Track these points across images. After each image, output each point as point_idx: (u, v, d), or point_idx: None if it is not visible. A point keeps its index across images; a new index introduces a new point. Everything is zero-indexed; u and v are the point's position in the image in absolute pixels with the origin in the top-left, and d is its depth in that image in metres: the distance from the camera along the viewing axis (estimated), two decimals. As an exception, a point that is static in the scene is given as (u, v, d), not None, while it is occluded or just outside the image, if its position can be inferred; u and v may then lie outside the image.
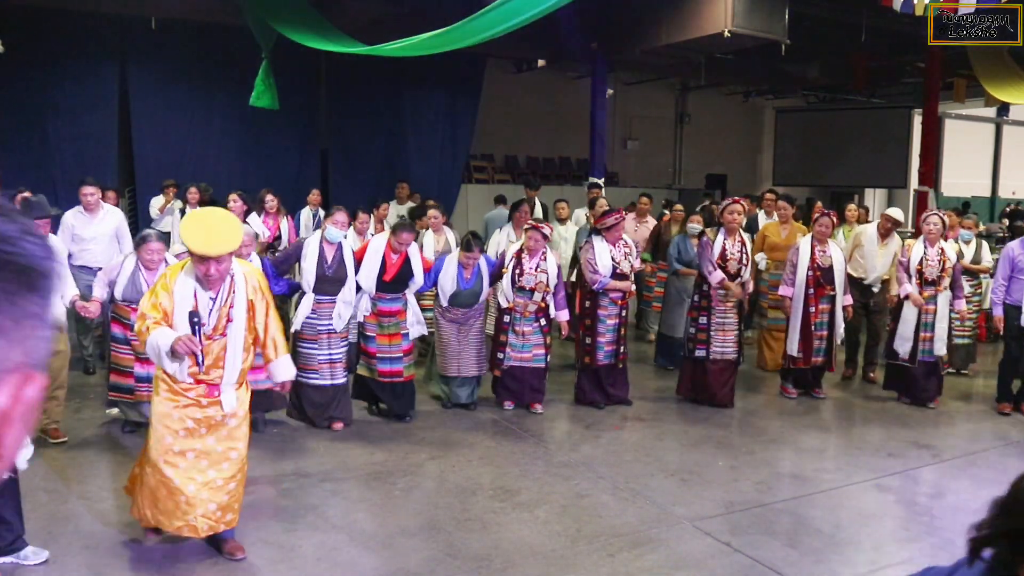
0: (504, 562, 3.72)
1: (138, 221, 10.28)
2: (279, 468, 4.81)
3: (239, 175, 11.58)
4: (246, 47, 9.93)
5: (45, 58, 10.28)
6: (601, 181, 11.47)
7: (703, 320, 6.29)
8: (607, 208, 7.56)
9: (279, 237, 8.22)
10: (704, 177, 17.88)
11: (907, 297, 6.43)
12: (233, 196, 7.45)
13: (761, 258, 7.48)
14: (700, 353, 6.29)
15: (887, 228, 7.30)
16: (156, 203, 9.77)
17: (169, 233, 10.30)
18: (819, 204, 8.74)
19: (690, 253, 7.11)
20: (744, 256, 6.27)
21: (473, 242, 5.93)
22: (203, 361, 3.39)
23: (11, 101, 10.23)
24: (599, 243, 6.16)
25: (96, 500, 4.32)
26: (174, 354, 3.32)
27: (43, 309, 0.58)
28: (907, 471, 5.21)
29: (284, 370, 3.76)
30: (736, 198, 6.70)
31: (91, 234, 6.72)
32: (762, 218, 8.53)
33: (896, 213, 7.46)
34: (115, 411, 5.65)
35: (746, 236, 6.49)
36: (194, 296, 3.43)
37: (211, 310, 3.46)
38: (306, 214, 9.47)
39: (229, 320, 3.49)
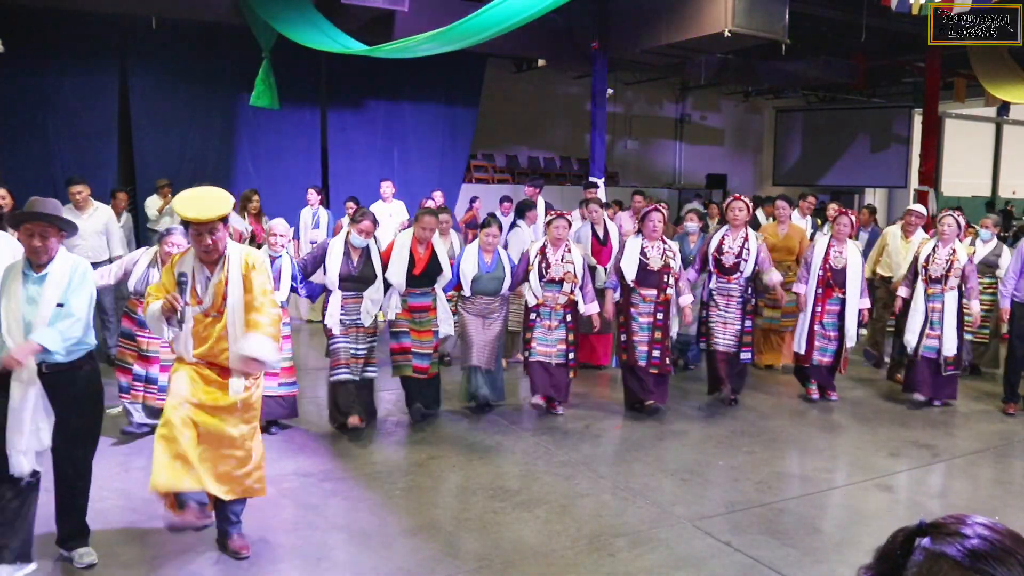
0: (504, 562, 3.71)
1: (138, 221, 10.27)
2: (279, 468, 4.80)
3: (239, 175, 11.60)
4: (246, 47, 9.94)
5: (45, 58, 10.28)
6: (601, 181, 11.48)
7: (704, 314, 6.48)
8: (597, 208, 7.61)
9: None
10: (704, 177, 17.89)
11: (903, 299, 6.55)
12: None
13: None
14: (702, 345, 6.56)
15: (911, 223, 7.30)
16: (153, 204, 9.77)
17: None
18: (836, 205, 8.70)
19: (687, 252, 7.12)
20: (745, 252, 6.28)
21: (492, 220, 6.07)
22: (183, 318, 3.47)
23: (11, 101, 10.23)
24: (632, 241, 6.17)
25: (96, 500, 4.30)
26: (164, 314, 3.46)
27: None
28: (907, 471, 5.21)
29: (245, 351, 3.49)
30: (738, 195, 6.70)
31: (80, 230, 6.80)
32: (796, 218, 8.43)
33: (919, 208, 7.46)
34: (115, 411, 5.65)
35: (752, 233, 6.49)
36: (192, 273, 3.55)
37: (206, 287, 3.54)
38: (306, 213, 9.47)
39: (224, 298, 3.54)
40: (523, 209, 7.99)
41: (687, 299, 6.18)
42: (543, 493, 4.56)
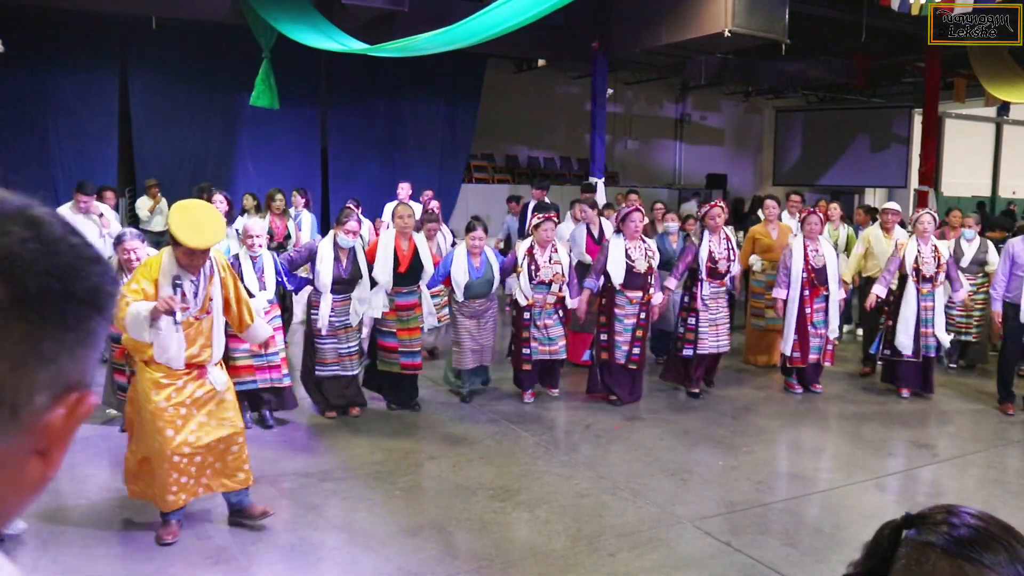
0: (504, 562, 3.72)
1: (138, 221, 10.29)
2: (279, 468, 4.81)
3: (239, 175, 11.61)
4: (246, 47, 9.94)
5: (45, 58, 10.28)
6: (601, 181, 11.48)
7: (692, 321, 6.41)
8: (587, 208, 7.72)
9: (288, 237, 8.29)
10: (704, 177, 17.88)
11: (878, 297, 6.53)
12: (218, 196, 7.52)
13: (756, 260, 7.52)
14: (687, 352, 6.44)
15: (888, 221, 7.40)
16: (144, 204, 9.81)
17: (163, 232, 10.37)
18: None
19: (668, 252, 7.17)
20: (731, 253, 6.41)
21: (476, 223, 6.12)
22: (179, 320, 3.56)
23: (11, 101, 10.23)
24: (616, 242, 6.21)
25: (95, 500, 4.32)
26: (154, 316, 3.51)
27: (105, 329, 0.61)
28: (907, 471, 5.21)
29: (261, 331, 4.14)
30: (715, 202, 6.80)
31: (81, 231, 6.87)
32: (786, 218, 8.40)
33: (894, 205, 7.62)
34: (114, 411, 5.65)
35: (729, 231, 6.64)
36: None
37: (195, 292, 3.68)
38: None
39: (210, 299, 3.75)
40: (543, 210, 8.17)
41: (658, 297, 6.33)
42: (543, 493, 4.56)
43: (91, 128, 10.76)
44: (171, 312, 3.48)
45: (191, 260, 3.60)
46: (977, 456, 5.48)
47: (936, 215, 6.77)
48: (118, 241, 5.08)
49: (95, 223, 7.19)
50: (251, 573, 3.59)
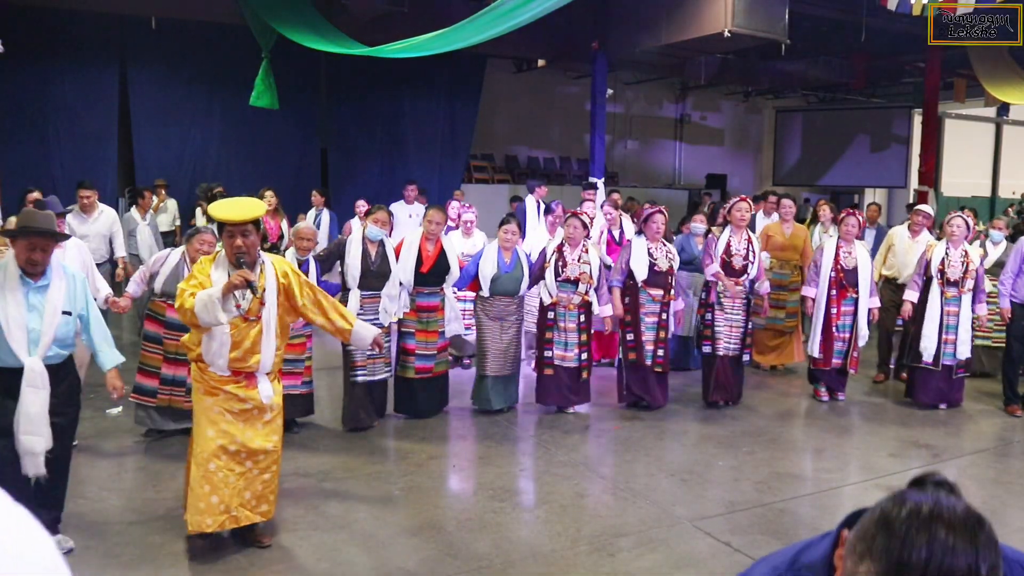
0: (504, 562, 3.71)
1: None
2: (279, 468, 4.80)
3: (239, 175, 11.60)
4: (246, 47, 9.94)
5: (45, 58, 10.29)
6: (601, 181, 11.49)
7: (709, 317, 6.33)
8: (611, 210, 7.71)
9: (281, 238, 8.14)
10: (704, 177, 17.89)
11: (912, 304, 6.42)
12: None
13: (765, 257, 7.47)
14: (707, 349, 6.33)
15: (917, 223, 7.27)
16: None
17: (172, 232, 10.32)
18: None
19: (693, 252, 7.11)
20: (751, 253, 6.29)
21: (510, 218, 6.09)
22: (257, 287, 3.56)
23: (11, 101, 10.24)
24: (638, 242, 6.18)
25: (96, 500, 4.32)
26: (227, 292, 3.48)
27: None
28: (907, 471, 5.20)
29: (366, 333, 3.99)
30: (743, 196, 6.71)
31: (85, 232, 6.90)
32: (760, 218, 8.45)
33: (927, 208, 7.46)
34: (115, 411, 5.64)
35: (753, 235, 6.50)
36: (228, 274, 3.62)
37: (245, 293, 3.60)
38: (310, 215, 9.49)
39: (262, 304, 3.64)
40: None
41: (678, 304, 6.26)
42: (543, 493, 4.56)
43: (91, 128, 10.77)
44: (247, 284, 3.47)
45: (233, 243, 3.54)
46: (981, 457, 5.47)
47: (968, 220, 6.52)
48: (196, 232, 5.08)
49: (103, 220, 7.16)
50: (251, 573, 3.58)
